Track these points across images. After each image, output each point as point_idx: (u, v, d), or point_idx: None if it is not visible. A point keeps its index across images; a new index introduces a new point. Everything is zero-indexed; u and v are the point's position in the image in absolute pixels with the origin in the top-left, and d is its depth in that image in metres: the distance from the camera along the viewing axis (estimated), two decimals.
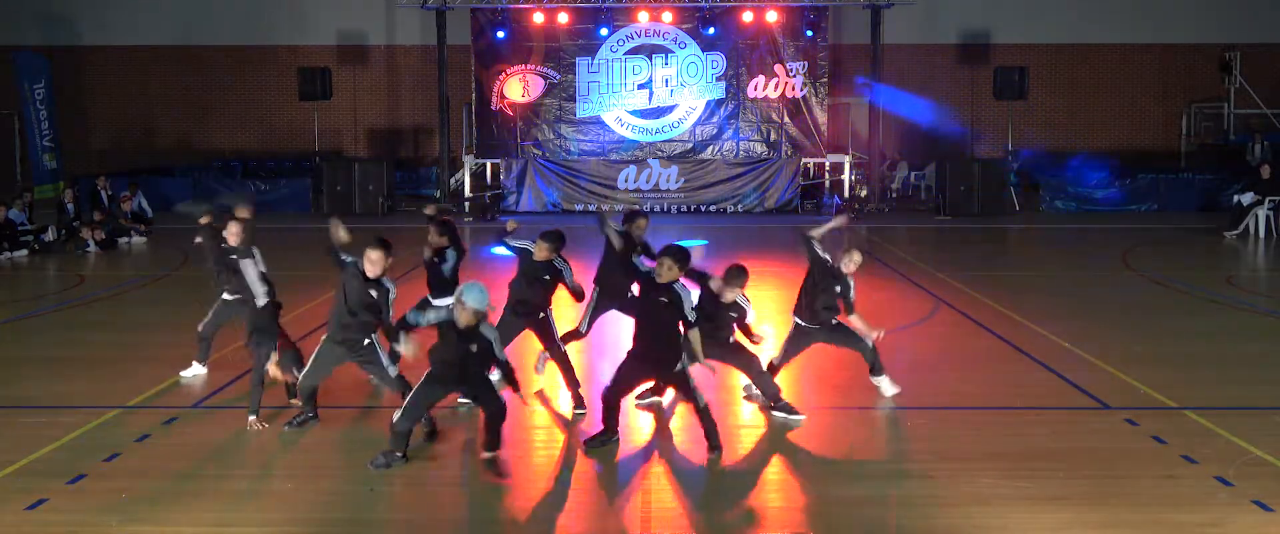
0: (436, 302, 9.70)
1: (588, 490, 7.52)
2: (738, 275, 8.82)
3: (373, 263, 8.31)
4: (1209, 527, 6.72)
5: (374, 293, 8.34)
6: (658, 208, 24.55)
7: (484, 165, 26.11)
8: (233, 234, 9.51)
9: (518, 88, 25.23)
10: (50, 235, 19.03)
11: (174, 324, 12.81)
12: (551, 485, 7.71)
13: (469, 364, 7.60)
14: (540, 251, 9.28)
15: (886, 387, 9.42)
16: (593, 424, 8.75)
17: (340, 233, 8.49)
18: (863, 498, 7.26)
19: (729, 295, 8.82)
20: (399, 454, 7.69)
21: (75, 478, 7.55)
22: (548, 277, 9.30)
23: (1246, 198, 20.62)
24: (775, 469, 7.97)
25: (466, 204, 24.87)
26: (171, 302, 14.62)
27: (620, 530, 6.84)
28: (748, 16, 24.54)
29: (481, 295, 7.51)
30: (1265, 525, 6.73)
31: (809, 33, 24.62)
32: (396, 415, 7.70)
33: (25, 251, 18.18)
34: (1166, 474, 7.63)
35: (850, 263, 9.40)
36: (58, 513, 6.98)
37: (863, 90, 25.72)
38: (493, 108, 25.32)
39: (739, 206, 24.59)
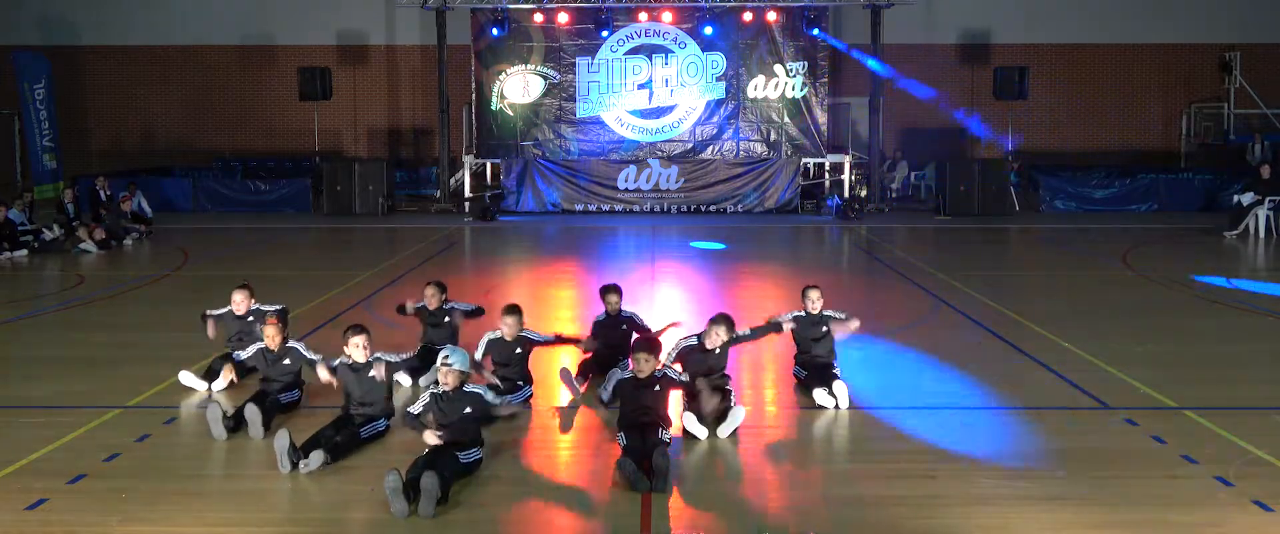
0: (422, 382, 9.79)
1: (587, 490, 7.51)
2: (722, 321, 9.14)
3: (357, 348, 8.51)
4: (1209, 527, 6.72)
5: (374, 375, 8.52)
6: (657, 208, 24.56)
7: (484, 165, 26.11)
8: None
9: (518, 88, 25.23)
10: (50, 234, 19.02)
11: (174, 324, 12.80)
12: (551, 486, 7.71)
13: (469, 425, 7.78)
14: (507, 330, 9.45)
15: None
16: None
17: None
18: (863, 498, 7.26)
19: (713, 341, 9.06)
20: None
21: (75, 478, 7.54)
22: (521, 350, 9.50)
23: (1246, 198, 20.61)
24: (775, 469, 7.97)
25: (466, 204, 24.87)
26: (171, 301, 14.60)
27: (619, 531, 6.83)
28: (748, 16, 24.54)
29: (464, 355, 7.94)
30: (1265, 525, 6.73)
31: (815, 31, 24.59)
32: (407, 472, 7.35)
33: (25, 251, 18.18)
34: (1166, 474, 7.63)
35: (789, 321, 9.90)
36: (58, 513, 6.98)
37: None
38: (493, 108, 25.32)
39: (739, 206, 24.58)
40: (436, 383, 7.90)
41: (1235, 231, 20.39)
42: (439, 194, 25.94)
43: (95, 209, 20.63)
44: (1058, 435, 8.51)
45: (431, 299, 10.55)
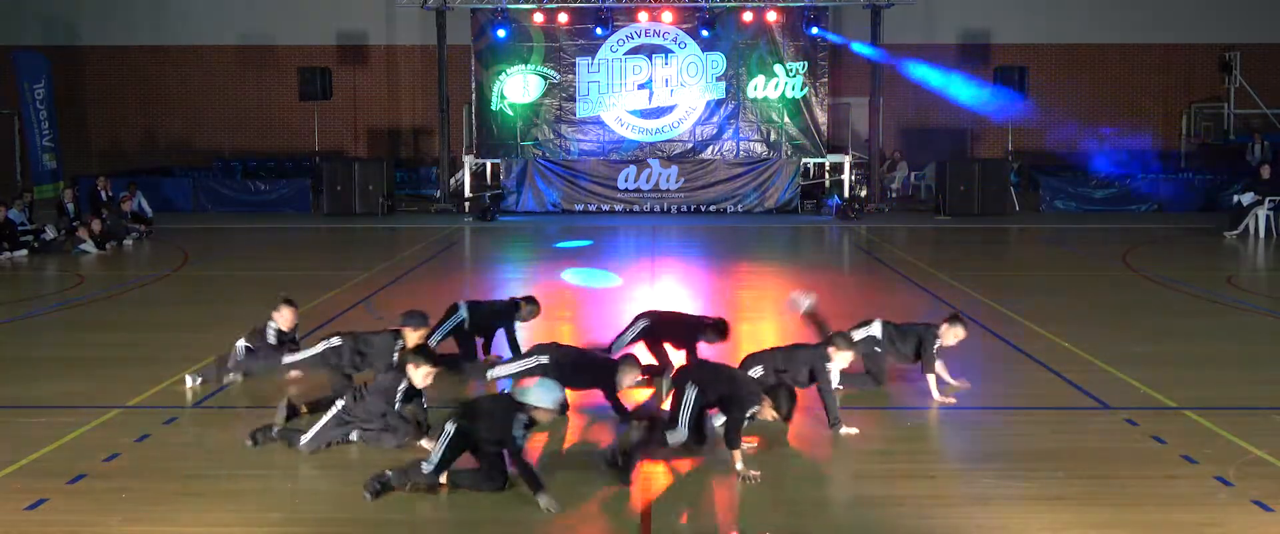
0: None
1: (588, 490, 7.51)
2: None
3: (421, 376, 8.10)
4: (1209, 527, 6.72)
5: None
6: (657, 208, 24.56)
7: (484, 165, 26.10)
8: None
9: (518, 88, 25.23)
10: (50, 234, 19.02)
11: (174, 324, 12.82)
12: (552, 485, 7.70)
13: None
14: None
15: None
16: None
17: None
18: (863, 498, 7.26)
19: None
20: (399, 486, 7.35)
21: (75, 478, 7.54)
22: None
23: (1247, 198, 20.61)
24: (776, 469, 7.96)
25: (466, 204, 24.87)
26: (171, 301, 14.61)
27: (620, 531, 6.84)
28: (748, 16, 24.54)
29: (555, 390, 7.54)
30: (1265, 525, 6.73)
31: (815, 31, 24.57)
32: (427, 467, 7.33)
33: (25, 251, 18.18)
34: (1166, 474, 7.63)
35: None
36: (58, 513, 6.98)
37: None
38: (493, 108, 25.32)
39: (739, 206, 24.58)
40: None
41: (1235, 232, 20.39)
42: (439, 194, 25.94)
43: (96, 209, 20.63)
44: (1058, 435, 8.52)
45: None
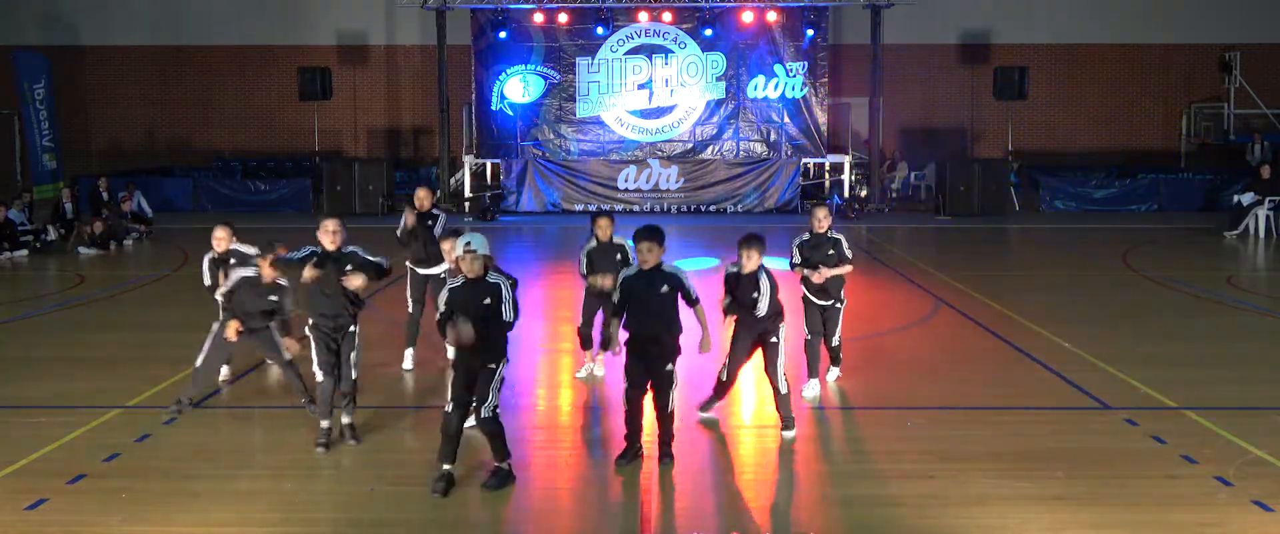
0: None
1: (588, 490, 7.51)
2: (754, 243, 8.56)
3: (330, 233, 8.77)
4: (1209, 527, 6.72)
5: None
6: (657, 208, 24.56)
7: (484, 165, 26.11)
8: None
9: (518, 88, 25.23)
10: (50, 235, 19.02)
11: (174, 324, 12.81)
12: (552, 485, 7.71)
13: (490, 321, 7.19)
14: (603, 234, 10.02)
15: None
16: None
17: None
18: (863, 498, 7.26)
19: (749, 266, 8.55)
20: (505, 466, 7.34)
21: (75, 478, 7.54)
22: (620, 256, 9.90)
23: (1247, 198, 20.62)
24: (775, 469, 7.97)
25: (466, 204, 24.88)
26: (171, 301, 14.60)
27: (620, 531, 6.84)
28: (748, 16, 24.54)
29: (485, 240, 7.32)
30: (1265, 525, 6.73)
31: (810, 33, 24.60)
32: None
33: (25, 251, 18.18)
34: (1166, 474, 7.63)
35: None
36: (58, 513, 6.98)
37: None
38: (493, 108, 25.32)
39: (739, 207, 24.58)
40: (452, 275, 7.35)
41: (1235, 232, 20.40)
42: (439, 194, 25.94)
43: (96, 209, 20.64)
44: (1058, 435, 8.51)
45: (424, 200, 11.07)
